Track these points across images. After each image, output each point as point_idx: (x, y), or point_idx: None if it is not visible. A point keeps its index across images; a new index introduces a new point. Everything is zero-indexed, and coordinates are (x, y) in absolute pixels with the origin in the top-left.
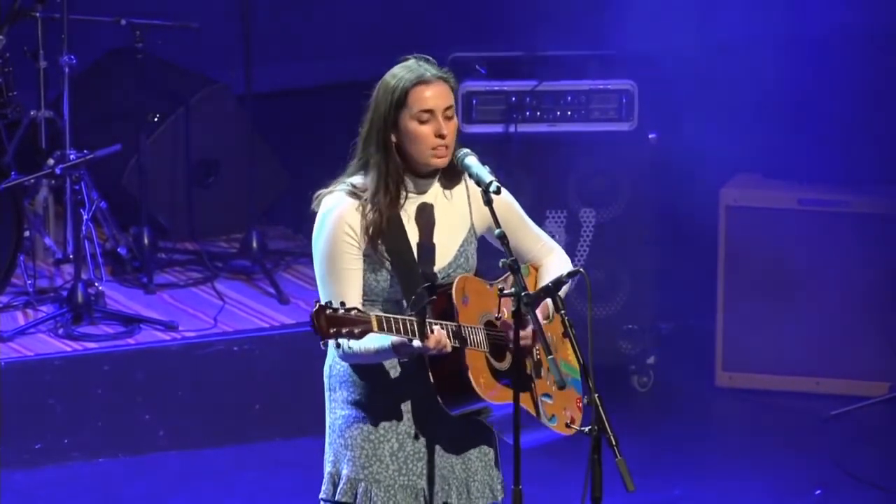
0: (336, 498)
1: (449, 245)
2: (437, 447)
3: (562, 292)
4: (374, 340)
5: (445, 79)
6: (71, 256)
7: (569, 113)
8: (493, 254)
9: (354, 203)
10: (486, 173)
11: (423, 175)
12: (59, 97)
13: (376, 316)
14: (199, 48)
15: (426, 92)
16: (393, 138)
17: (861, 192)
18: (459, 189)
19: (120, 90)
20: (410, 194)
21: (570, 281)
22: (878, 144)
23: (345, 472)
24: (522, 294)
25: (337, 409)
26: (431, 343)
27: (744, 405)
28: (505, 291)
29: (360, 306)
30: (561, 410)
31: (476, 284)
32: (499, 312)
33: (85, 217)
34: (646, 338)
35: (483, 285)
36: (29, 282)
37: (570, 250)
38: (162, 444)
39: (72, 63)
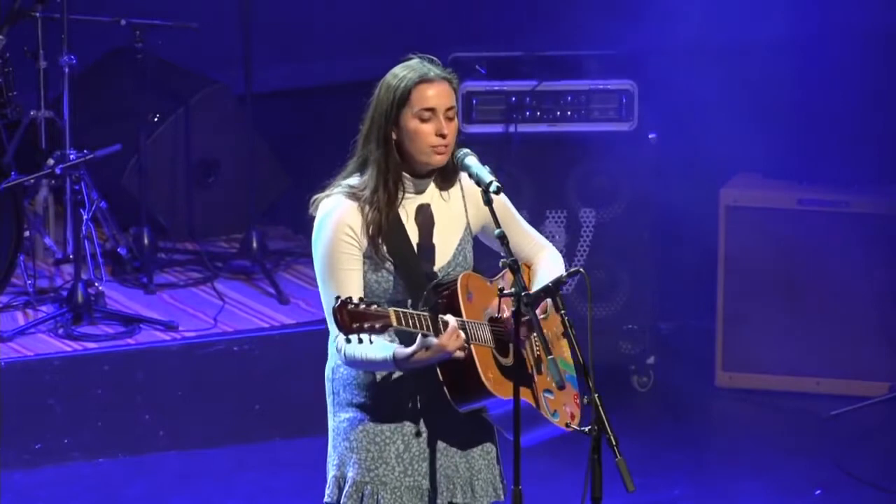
0: (342, 501)
1: (447, 244)
2: (442, 447)
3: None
4: (378, 351)
5: (448, 79)
6: (71, 256)
7: (569, 113)
8: (489, 254)
9: (353, 204)
10: (486, 173)
11: (421, 175)
12: (59, 97)
13: (394, 311)
14: (199, 48)
15: (429, 91)
16: (393, 136)
17: (861, 192)
18: (455, 189)
19: (120, 90)
20: (408, 194)
21: (571, 280)
22: (878, 144)
23: (350, 474)
24: (522, 294)
25: (340, 412)
26: (446, 338)
27: (744, 405)
28: (505, 291)
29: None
30: (561, 406)
31: (478, 281)
32: (499, 312)
33: (85, 217)
34: (646, 338)
35: (484, 282)
36: (29, 282)
37: (570, 250)
38: (162, 444)
39: (72, 63)
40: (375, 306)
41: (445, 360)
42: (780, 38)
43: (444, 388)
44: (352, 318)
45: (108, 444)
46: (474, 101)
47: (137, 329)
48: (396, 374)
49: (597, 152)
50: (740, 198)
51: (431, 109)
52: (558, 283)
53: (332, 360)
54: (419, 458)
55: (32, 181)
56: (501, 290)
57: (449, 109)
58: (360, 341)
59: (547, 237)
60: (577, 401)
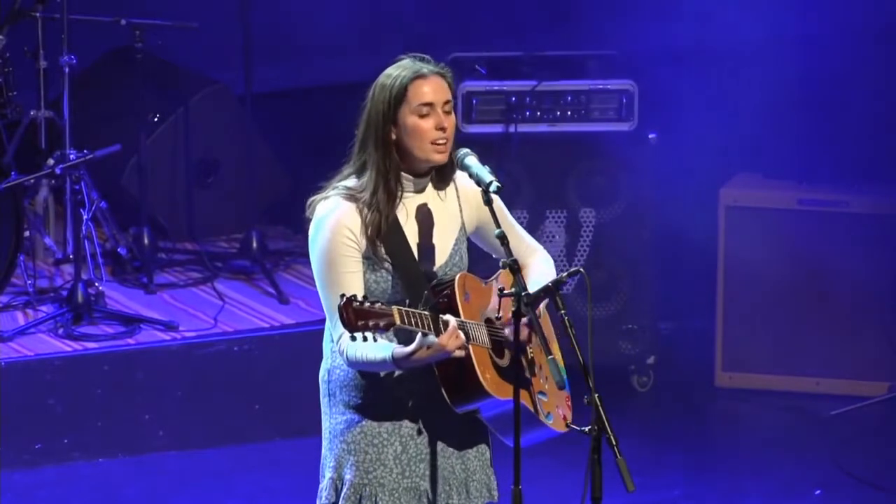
0: (339, 503)
1: (444, 244)
2: (439, 448)
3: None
4: (376, 350)
5: (442, 74)
6: (71, 256)
7: (569, 113)
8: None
9: (352, 206)
10: (486, 173)
11: (420, 174)
12: (59, 97)
13: (397, 309)
14: (199, 48)
15: (425, 86)
16: (392, 135)
17: (861, 192)
18: (450, 189)
19: (120, 90)
20: (407, 193)
21: (571, 281)
22: (879, 144)
23: (348, 476)
24: (522, 294)
25: (337, 413)
26: (446, 338)
27: (744, 405)
28: (505, 291)
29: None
30: (555, 408)
31: (473, 282)
32: (499, 312)
33: (85, 217)
34: (646, 338)
35: (479, 283)
36: (29, 282)
37: (570, 250)
38: (162, 444)
39: (72, 63)
40: (379, 304)
41: (443, 360)
42: (780, 38)
43: (442, 389)
44: (357, 316)
45: (108, 444)
46: (474, 101)
47: (137, 329)
48: (394, 376)
49: (597, 152)
50: (740, 198)
51: (429, 104)
52: (558, 283)
53: (328, 362)
54: (417, 460)
55: (32, 181)
56: (501, 290)
57: (446, 103)
58: (365, 339)
59: (547, 237)
60: (569, 402)
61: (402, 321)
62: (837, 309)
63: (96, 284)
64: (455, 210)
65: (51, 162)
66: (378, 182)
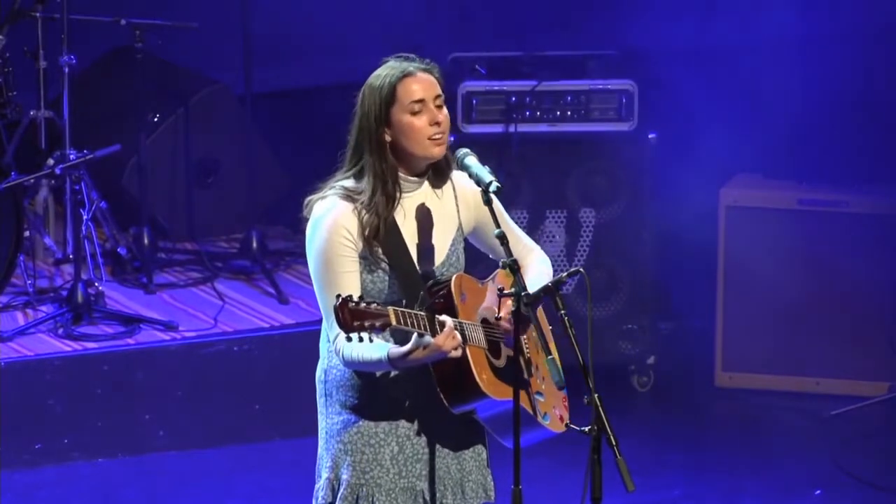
0: (336, 503)
1: (442, 244)
2: (435, 448)
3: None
4: (372, 350)
5: (429, 70)
6: (71, 256)
7: (569, 113)
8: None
9: (349, 206)
10: (485, 173)
11: (418, 172)
12: (59, 97)
13: (393, 309)
14: (199, 48)
15: (414, 84)
16: (387, 137)
17: (861, 192)
18: (447, 189)
19: (120, 90)
20: (405, 194)
21: (571, 281)
22: (879, 144)
23: (345, 477)
24: (522, 294)
25: (333, 413)
26: (442, 338)
27: (744, 405)
28: (505, 291)
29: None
30: (552, 409)
31: (470, 283)
32: (498, 312)
33: (85, 217)
34: (646, 338)
35: (476, 284)
36: (29, 282)
37: (570, 250)
38: (162, 444)
39: (72, 63)
40: (375, 304)
41: (440, 361)
42: (780, 37)
43: (438, 389)
44: (353, 316)
45: (108, 444)
46: (474, 101)
47: (137, 329)
48: (390, 376)
49: (597, 152)
50: (740, 198)
51: (420, 101)
52: (558, 283)
53: (324, 362)
54: (413, 460)
55: (32, 181)
56: (501, 290)
57: (437, 98)
58: (361, 339)
59: (547, 237)
60: (566, 403)
61: (398, 321)
62: (837, 309)
63: (96, 284)
64: (452, 210)
65: (51, 162)
66: (376, 186)
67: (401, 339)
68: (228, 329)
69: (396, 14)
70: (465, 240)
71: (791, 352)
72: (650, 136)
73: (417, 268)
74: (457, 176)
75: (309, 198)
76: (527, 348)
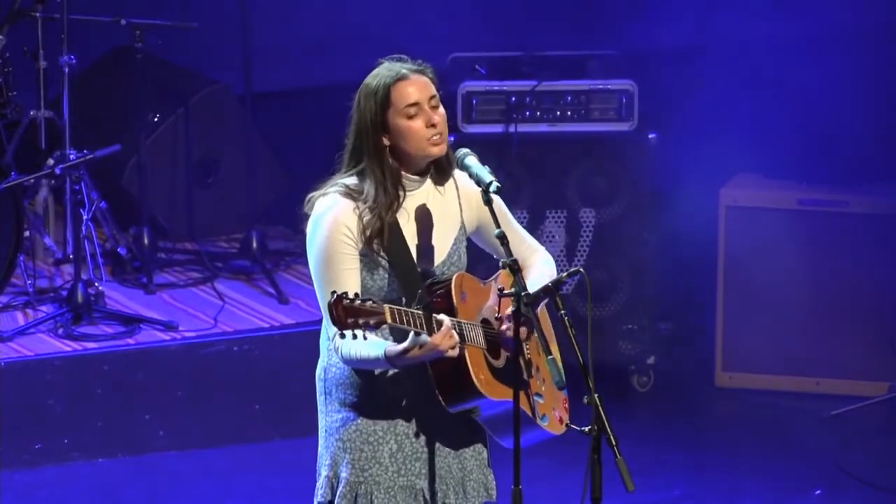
0: (335, 501)
1: (443, 243)
2: (435, 447)
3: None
4: (370, 348)
5: (422, 71)
6: (71, 256)
7: (569, 113)
8: (486, 256)
9: (350, 204)
10: (486, 173)
11: (419, 172)
12: (59, 97)
13: (389, 307)
14: (199, 48)
15: (408, 87)
16: (385, 141)
17: (861, 192)
18: (450, 186)
19: (120, 90)
20: (407, 193)
21: (571, 281)
22: (879, 144)
23: (344, 474)
24: (522, 294)
25: (333, 411)
26: (439, 337)
27: (744, 405)
28: (505, 291)
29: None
30: (551, 410)
31: (471, 282)
32: (499, 312)
33: (85, 217)
34: (646, 338)
35: (477, 283)
36: (29, 282)
37: (570, 250)
38: (162, 444)
39: (72, 63)
40: (370, 302)
41: (437, 360)
42: (780, 37)
43: (435, 388)
44: (347, 314)
45: (108, 444)
46: (474, 101)
47: (137, 329)
48: (390, 374)
49: (597, 152)
50: (740, 198)
51: (415, 104)
52: (558, 283)
53: (324, 360)
54: (412, 458)
55: (32, 181)
56: (501, 289)
57: (432, 98)
58: (355, 337)
59: (547, 237)
60: (566, 405)
61: (394, 319)
62: (837, 309)
63: (96, 284)
64: (455, 210)
65: (51, 162)
66: (378, 189)
67: (400, 337)
68: (228, 329)
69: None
70: (469, 239)
71: (791, 352)
72: (650, 136)
73: (417, 267)
74: (460, 176)
75: (311, 194)
76: (527, 349)
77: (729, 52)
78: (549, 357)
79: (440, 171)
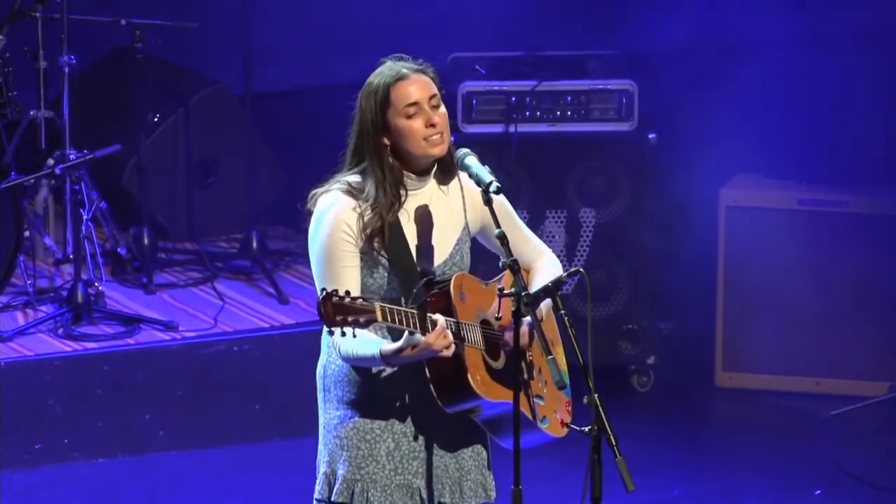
0: (332, 498)
1: (445, 243)
2: (432, 446)
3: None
4: (366, 347)
5: (423, 70)
6: (71, 256)
7: (569, 113)
8: (490, 256)
9: (351, 202)
10: (486, 173)
11: (421, 171)
12: (59, 97)
13: (380, 305)
14: (199, 48)
15: (408, 87)
16: (386, 141)
17: (861, 192)
18: (454, 186)
19: (120, 90)
20: (410, 192)
21: (571, 281)
22: (879, 144)
23: (340, 472)
24: (522, 294)
25: (331, 409)
26: (433, 337)
27: (744, 405)
28: (505, 291)
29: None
30: (552, 413)
31: (472, 283)
32: (499, 312)
33: (85, 217)
34: (646, 338)
35: (479, 284)
36: (29, 282)
37: (570, 250)
38: (162, 444)
39: (72, 63)
40: (361, 300)
41: (435, 360)
42: (780, 37)
43: (432, 388)
44: (335, 311)
45: (108, 444)
46: (474, 101)
47: (137, 329)
48: (388, 373)
49: (597, 152)
50: (740, 198)
51: (415, 104)
52: (558, 283)
53: (324, 358)
54: (409, 457)
55: (32, 181)
56: (501, 290)
57: (432, 97)
58: (343, 334)
59: (547, 237)
60: (569, 408)
61: (385, 318)
62: (837, 309)
63: (96, 284)
64: (459, 210)
65: (51, 162)
66: (379, 189)
67: (397, 336)
68: (228, 329)
69: (396, 14)
70: (474, 240)
71: (791, 352)
72: (650, 136)
73: (418, 267)
74: (466, 177)
75: (314, 191)
76: (529, 352)
77: (729, 52)
78: (549, 357)
79: (444, 170)
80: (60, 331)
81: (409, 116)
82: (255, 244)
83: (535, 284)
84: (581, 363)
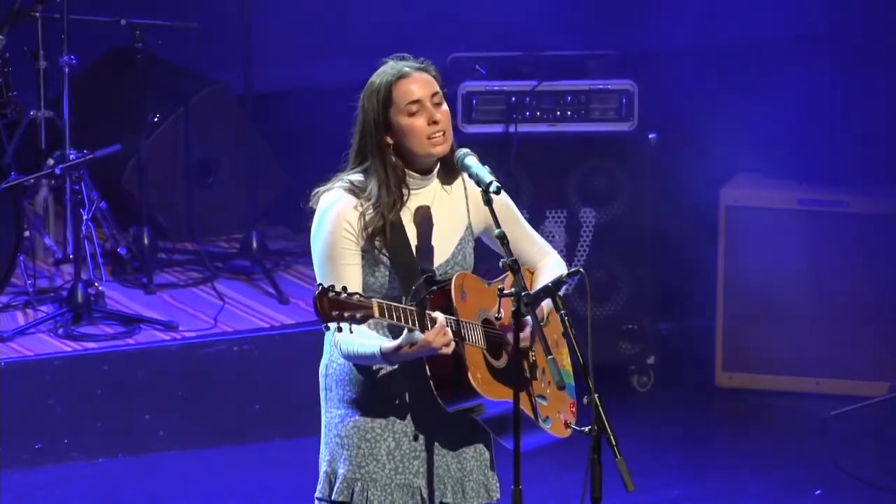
0: (332, 497)
1: (447, 243)
2: (434, 445)
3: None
4: (367, 345)
5: (424, 68)
6: (71, 256)
7: (569, 113)
8: (493, 256)
9: (353, 200)
10: (486, 173)
11: (424, 170)
12: (59, 97)
13: (377, 302)
14: (199, 48)
15: (410, 85)
16: (388, 140)
17: (861, 192)
18: (458, 186)
19: (120, 90)
20: (413, 191)
21: (571, 281)
22: (879, 144)
23: (341, 471)
24: (522, 294)
25: (333, 407)
26: (432, 334)
27: (744, 405)
28: (505, 291)
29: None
30: (555, 413)
31: (474, 282)
32: (499, 313)
33: (85, 217)
34: (646, 338)
35: (481, 283)
36: (29, 282)
37: (570, 250)
38: (162, 444)
39: (72, 63)
40: (358, 296)
41: (435, 358)
42: (781, 37)
43: (432, 386)
44: (331, 306)
45: (108, 444)
46: (474, 101)
47: (137, 329)
48: (389, 372)
49: (597, 152)
50: (740, 198)
51: (417, 101)
52: (558, 283)
53: (327, 356)
54: (410, 457)
55: (32, 181)
56: (501, 290)
57: (434, 95)
58: (339, 330)
59: (547, 237)
60: (573, 409)
61: (382, 314)
62: (837, 309)
63: (96, 284)
64: (462, 210)
65: (51, 162)
66: (381, 189)
67: (398, 334)
68: (228, 329)
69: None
70: (479, 239)
71: (791, 352)
72: (650, 136)
73: (419, 265)
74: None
75: (316, 189)
76: (532, 352)
77: (729, 52)
78: (549, 357)
79: (447, 170)
80: (60, 331)
81: (412, 114)
82: (255, 244)
83: (539, 285)
84: (581, 363)
